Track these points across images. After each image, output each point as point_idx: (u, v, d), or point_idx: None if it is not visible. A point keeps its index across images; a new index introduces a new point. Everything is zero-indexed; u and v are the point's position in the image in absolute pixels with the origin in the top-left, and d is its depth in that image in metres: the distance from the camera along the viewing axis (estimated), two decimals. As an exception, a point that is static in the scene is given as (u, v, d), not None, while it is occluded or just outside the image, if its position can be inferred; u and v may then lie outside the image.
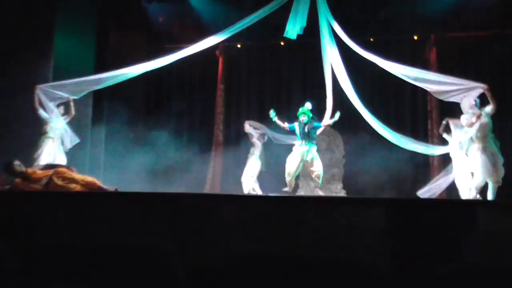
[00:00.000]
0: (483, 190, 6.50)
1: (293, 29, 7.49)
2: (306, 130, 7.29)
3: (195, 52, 8.25)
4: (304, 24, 7.47)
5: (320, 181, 7.39)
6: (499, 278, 2.21)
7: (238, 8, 9.12)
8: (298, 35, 7.63)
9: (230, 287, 2.35)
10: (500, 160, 6.35)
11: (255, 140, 8.39)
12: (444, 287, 2.73)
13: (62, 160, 7.14)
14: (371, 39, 9.30)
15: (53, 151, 7.10)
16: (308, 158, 7.31)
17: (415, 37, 9.35)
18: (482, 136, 6.37)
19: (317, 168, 7.33)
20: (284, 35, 7.52)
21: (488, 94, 6.31)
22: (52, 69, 7.77)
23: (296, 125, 7.40)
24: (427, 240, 3.86)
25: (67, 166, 6.19)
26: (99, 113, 8.45)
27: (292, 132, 7.61)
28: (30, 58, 7.67)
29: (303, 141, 7.32)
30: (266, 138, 8.47)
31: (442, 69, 9.06)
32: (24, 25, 7.75)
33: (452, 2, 8.62)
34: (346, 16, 8.53)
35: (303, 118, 7.34)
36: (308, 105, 7.48)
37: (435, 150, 7.68)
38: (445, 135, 7.49)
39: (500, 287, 2.28)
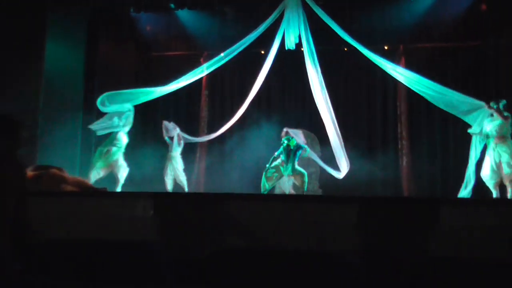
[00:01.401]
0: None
1: (289, 40, 7.66)
2: (291, 154, 7.51)
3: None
4: (298, 33, 7.62)
5: (305, 187, 7.54)
6: (461, 270, 2.27)
7: (221, 19, 9.17)
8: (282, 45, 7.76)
9: (216, 279, 2.37)
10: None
11: (181, 141, 8.51)
12: (410, 278, 2.81)
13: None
14: (345, 49, 9.41)
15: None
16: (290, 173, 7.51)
17: (386, 47, 9.46)
18: (495, 136, 6.49)
19: (300, 177, 7.47)
20: (286, 48, 7.69)
21: (492, 110, 6.49)
22: (43, 77, 7.66)
23: (283, 149, 7.63)
24: (395, 234, 3.95)
25: (58, 168, 6.12)
26: (90, 115, 8.35)
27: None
28: (21, 66, 7.56)
29: (288, 163, 7.51)
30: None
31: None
32: (15, 34, 7.64)
33: (419, 15, 8.75)
34: (321, 26, 8.62)
35: (288, 147, 7.58)
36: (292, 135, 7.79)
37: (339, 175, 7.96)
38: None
39: (462, 278, 2.35)
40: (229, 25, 9.26)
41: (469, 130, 6.87)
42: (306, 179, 7.49)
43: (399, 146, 9.29)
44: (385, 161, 9.18)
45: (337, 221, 4.21)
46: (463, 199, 6.95)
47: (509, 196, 6.49)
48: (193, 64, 9.98)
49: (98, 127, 7.79)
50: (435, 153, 9.12)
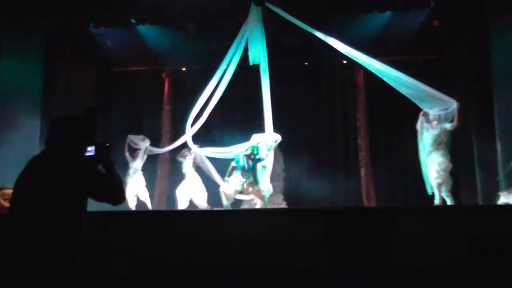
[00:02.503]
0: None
1: (251, 55, 7.78)
2: (250, 164, 7.31)
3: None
4: (263, 47, 7.69)
5: (266, 200, 7.45)
6: (421, 276, 2.32)
7: (183, 35, 9.13)
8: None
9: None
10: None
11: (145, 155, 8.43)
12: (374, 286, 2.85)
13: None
14: (306, 63, 9.56)
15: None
16: (246, 187, 7.35)
17: (344, 62, 9.68)
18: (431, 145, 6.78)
19: (258, 192, 7.39)
20: (251, 63, 7.81)
21: (456, 112, 6.73)
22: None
23: (240, 158, 7.38)
24: (358, 244, 4.01)
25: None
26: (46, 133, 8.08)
27: None
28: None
29: (244, 174, 7.31)
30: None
31: (369, 90, 9.52)
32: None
33: (376, 30, 8.95)
34: (282, 42, 8.77)
35: (251, 154, 7.36)
36: (258, 143, 7.57)
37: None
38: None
39: (422, 283, 2.40)
40: (191, 40, 9.24)
41: (425, 109, 7.03)
42: (265, 193, 7.41)
43: (359, 158, 9.48)
44: (345, 172, 9.39)
45: (300, 234, 4.25)
46: (419, 207, 7.19)
47: (435, 201, 6.81)
48: (155, 79, 9.96)
49: None
50: (394, 164, 9.37)
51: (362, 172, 9.30)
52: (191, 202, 8.04)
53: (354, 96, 9.74)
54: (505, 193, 6.35)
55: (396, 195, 9.15)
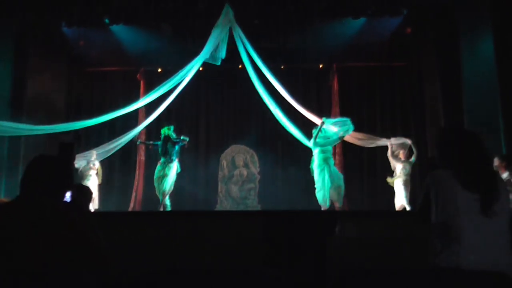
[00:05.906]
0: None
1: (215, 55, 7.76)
2: (170, 147, 7.59)
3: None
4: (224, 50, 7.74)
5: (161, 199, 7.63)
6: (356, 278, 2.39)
7: (158, 35, 9.13)
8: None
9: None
10: None
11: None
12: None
13: None
14: (282, 67, 9.66)
15: None
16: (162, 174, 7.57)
17: (320, 66, 9.80)
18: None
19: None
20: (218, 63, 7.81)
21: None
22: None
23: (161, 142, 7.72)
24: (296, 246, 4.07)
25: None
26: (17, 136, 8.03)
27: None
28: None
29: (166, 155, 7.64)
30: None
31: (343, 94, 9.66)
32: None
33: (351, 36, 9.04)
34: (259, 45, 8.82)
35: (167, 138, 7.65)
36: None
37: None
38: None
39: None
40: (166, 41, 9.25)
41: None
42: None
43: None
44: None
45: (238, 236, 4.25)
46: (361, 211, 7.38)
47: None
48: (130, 80, 9.93)
49: None
50: (366, 168, 9.52)
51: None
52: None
53: (329, 100, 9.86)
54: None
55: (366, 199, 9.29)
